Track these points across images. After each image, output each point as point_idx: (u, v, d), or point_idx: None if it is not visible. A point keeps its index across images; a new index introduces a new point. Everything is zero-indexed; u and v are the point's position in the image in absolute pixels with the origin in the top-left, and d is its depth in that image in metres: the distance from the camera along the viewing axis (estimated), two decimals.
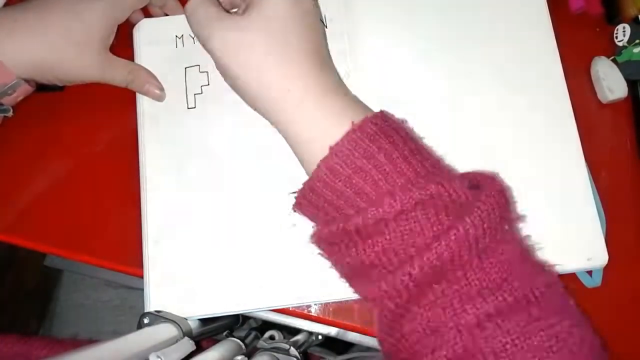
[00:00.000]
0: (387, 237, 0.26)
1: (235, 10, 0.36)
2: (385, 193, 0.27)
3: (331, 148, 0.28)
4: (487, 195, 0.26)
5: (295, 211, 0.31)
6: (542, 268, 0.28)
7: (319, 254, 0.31)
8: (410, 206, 0.26)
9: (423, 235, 0.26)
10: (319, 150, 0.28)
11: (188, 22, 0.32)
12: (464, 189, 0.26)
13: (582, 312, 0.28)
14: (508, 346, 0.24)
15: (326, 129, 0.28)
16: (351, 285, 0.30)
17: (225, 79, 0.32)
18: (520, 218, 0.30)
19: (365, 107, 0.31)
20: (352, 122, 0.28)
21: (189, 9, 0.32)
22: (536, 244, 0.36)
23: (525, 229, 0.36)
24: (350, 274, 0.30)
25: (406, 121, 0.30)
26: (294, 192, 0.30)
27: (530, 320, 0.25)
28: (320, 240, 0.29)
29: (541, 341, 0.24)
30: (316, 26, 0.32)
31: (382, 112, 0.29)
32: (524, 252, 0.28)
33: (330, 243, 0.29)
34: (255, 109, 0.32)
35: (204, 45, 0.31)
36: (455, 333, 0.25)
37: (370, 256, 0.27)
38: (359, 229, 0.27)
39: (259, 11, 0.29)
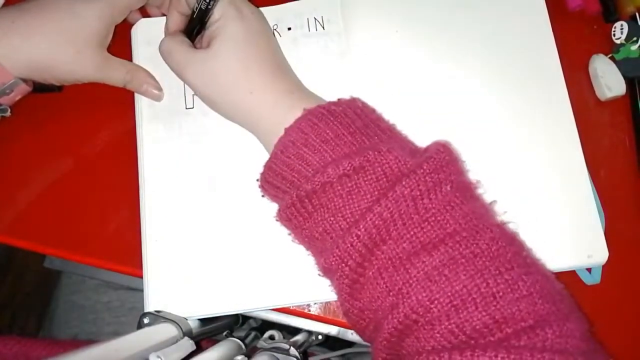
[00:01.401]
0: (335, 202, 0.29)
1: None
2: (330, 162, 0.29)
3: (285, 129, 0.31)
4: (426, 160, 0.28)
5: (262, 195, 0.34)
6: (490, 223, 0.29)
7: (288, 235, 0.33)
8: (352, 170, 0.29)
9: (365, 199, 0.28)
10: (278, 135, 0.32)
11: (164, 61, 0.37)
12: (405, 156, 0.29)
13: (545, 268, 0.29)
14: (457, 295, 0.26)
15: (284, 120, 0.32)
16: (316, 262, 0.32)
17: (205, 103, 0.37)
18: (474, 182, 0.31)
19: (321, 100, 0.35)
20: (304, 109, 0.32)
21: (163, 50, 0.37)
22: (536, 241, 0.36)
23: (525, 226, 0.36)
24: (311, 248, 0.32)
25: (372, 109, 0.33)
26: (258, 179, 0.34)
27: (477, 269, 0.26)
28: (281, 216, 0.32)
29: (488, 288, 0.26)
30: (267, 40, 0.36)
31: (340, 99, 0.33)
32: (472, 210, 0.29)
33: (288, 217, 0.31)
34: (235, 122, 0.36)
35: (182, 80, 0.36)
36: (407, 288, 0.27)
37: (323, 224, 0.29)
38: (309, 195, 0.29)
39: (218, 43, 0.34)
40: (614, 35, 0.43)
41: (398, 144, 0.31)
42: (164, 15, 0.42)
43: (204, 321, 0.37)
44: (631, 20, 0.42)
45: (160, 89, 0.39)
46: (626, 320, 0.39)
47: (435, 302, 0.26)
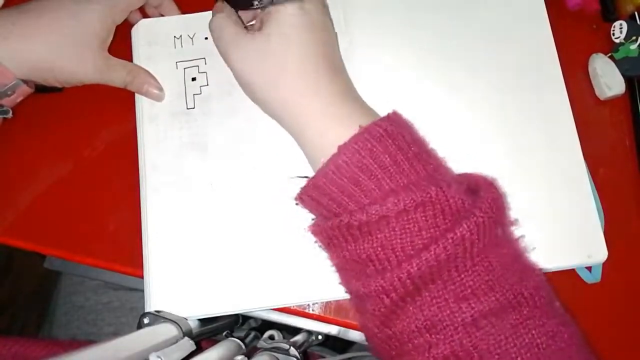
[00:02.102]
0: (387, 235, 0.27)
1: (252, 22, 0.37)
2: (388, 192, 0.28)
3: (339, 147, 0.29)
4: (484, 201, 0.27)
5: (296, 203, 0.32)
6: (533, 270, 0.29)
7: (316, 243, 0.32)
8: (412, 206, 0.27)
9: (421, 236, 0.27)
10: (328, 151, 0.29)
11: (213, 39, 0.35)
12: (463, 194, 0.28)
13: (571, 311, 0.29)
14: (502, 343, 0.25)
15: (335, 132, 0.30)
16: (342, 277, 0.31)
17: (246, 92, 0.34)
18: (514, 222, 0.31)
19: (374, 112, 0.33)
20: (360, 126, 0.29)
21: (213, 27, 0.34)
22: (536, 241, 0.36)
23: (525, 226, 0.36)
24: (344, 267, 0.31)
25: (412, 124, 0.31)
26: (297, 177, 0.32)
27: (522, 319, 0.26)
28: (319, 232, 0.31)
29: (532, 339, 0.25)
30: (327, 35, 0.33)
31: (390, 115, 0.30)
32: (517, 255, 0.29)
33: (329, 236, 0.30)
34: (273, 117, 0.34)
35: (226, 62, 0.34)
36: (452, 331, 0.26)
37: (369, 251, 0.28)
38: (361, 224, 0.28)
39: (272, 28, 0.31)
40: (614, 34, 0.43)
41: (451, 176, 0.30)
42: (162, 15, 0.42)
43: (204, 321, 0.37)
44: (630, 19, 0.42)
45: (161, 89, 0.39)
46: (627, 319, 0.39)
47: (478, 348, 0.25)
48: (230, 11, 0.35)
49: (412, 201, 0.27)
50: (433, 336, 0.26)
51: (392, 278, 0.27)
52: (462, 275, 0.27)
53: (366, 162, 0.28)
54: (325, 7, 0.34)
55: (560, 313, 0.28)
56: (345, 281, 0.31)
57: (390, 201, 0.27)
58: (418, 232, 0.27)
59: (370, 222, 0.27)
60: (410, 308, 0.27)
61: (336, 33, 0.35)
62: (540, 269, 0.30)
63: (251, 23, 0.37)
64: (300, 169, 0.34)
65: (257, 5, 0.32)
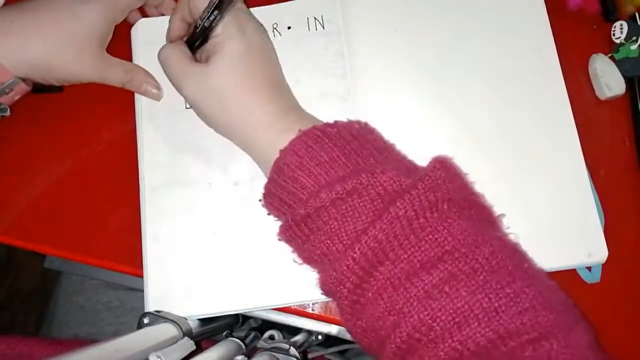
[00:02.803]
0: (331, 225, 0.29)
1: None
2: (324, 185, 0.29)
3: (280, 151, 0.31)
4: (421, 179, 0.28)
5: (268, 214, 0.34)
6: (491, 236, 0.29)
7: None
8: (345, 193, 0.28)
9: (361, 220, 0.28)
10: (274, 158, 0.32)
11: (162, 69, 0.36)
12: (399, 177, 0.29)
13: (549, 277, 0.29)
14: (460, 311, 0.25)
15: (280, 142, 0.32)
16: (318, 282, 0.32)
17: (200, 118, 0.36)
18: (474, 194, 0.31)
19: (317, 121, 0.34)
20: (299, 130, 0.32)
21: (162, 58, 0.36)
22: (536, 240, 0.36)
23: (525, 225, 0.36)
24: (312, 267, 0.32)
25: (364, 123, 0.33)
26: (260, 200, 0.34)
27: (477, 284, 0.26)
28: (281, 236, 0.32)
29: (490, 302, 0.25)
30: (267, 58, 0.36)
31: (335, 121, 0.32)
32: (471, 225, 0.29)
33: (288, 239, 0.31)
34: (226, 137, 0.36)
35: (178, 91, 0.36)
36: (408, 307, 0.26)
37: (320, 246, 0.29)
38: (304, 219, 0.29)
39: (218, 60, 0.33)
40: (614, 34, 0.43)
41: (393, 165, 0.31)
42: (162, 15, 0.42)
43: (204, 321, 0.37)
44: (631, 19, 0.42)
45: (159, 88, 0.39)
46: (627, 319, 0.39)
47: (437, 320, 0.26)
48: (178, 42, 0.37)
49: (342, 188, 0.28)
50: (395, 316, 0.27)
51: (341, 267, 0.28)
52: (409, 252, 0.27)
53: (304, 162, 0.30)
54: (264, 32, 0.37)
55: (528, 275, 0.28)
56: (318, 283, 0.31)
57: (324, 191, 0.29)
58: (358, 217, 0.28)
59: (310, 215, 0.29)
60: (370, 295, 0.28)
61: (276, 53, 0.37)
62: (505, 235, 0.30)
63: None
64: None
65: (199, 26, 0.34)
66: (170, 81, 0.36)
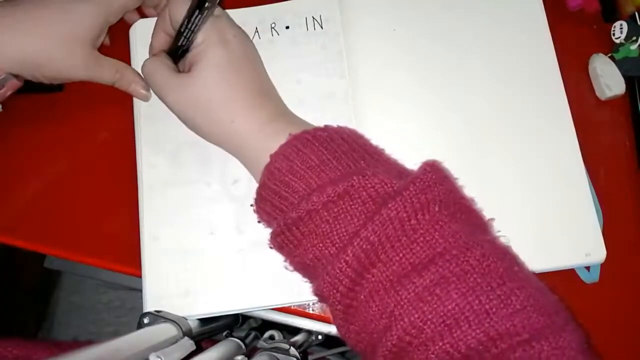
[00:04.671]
0: (323, 229, 0.29)
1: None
2: (315, 188, 0.29)
3: (271, 156, 0.31)
4: (412, 181, 0.28)
5: (258, 221, 0.34)
6: (483, 239, 0.29)
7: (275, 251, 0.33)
8: (336, 196, 0.28)
9: (353, 223, 0.28)
10: (264, 163, 0.32)
11: (147, 81, 0.37)
12: (391, 179, 0.29)
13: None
14: (450, 313, 0.25)
15: (270, 146, 0.31)
16: (311, 288, 0.32)
17: (187, 127, 0.36)
18: (464, 198, 0.31)
19: (307, 124, 0.34)
20: (290, 134, 0.32)
21: (145, 72, 0.36)
22: (534, 240, 0.36)
23: (524, 225, 0.36)
24: (305, 274, 0.32)
25: (360, 135, 0.33)
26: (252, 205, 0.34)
27: (468, 287, 0.26)
28: (273, 242, 0.32)
29: (481, 305, 0.25)
30: (251, 64, 0.35)
31: (325, 125, 0.32)
32: (462, 229, 0.29)
33: (279, 245, 0.31)
34: (216, 145, 0.36)
35: (162, 102, 0.36)
36: (400, 309, 0.26)
37: (312, 250, 0.29)
38: (296, 223, 0.29)
39: (199, 69, 0.33)
40: (614, 34, 0.43)
41: (384, 167, 0.31)
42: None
43: (204, 321, 0.37)
44: (630, 19, 0.42)
45: (148, 89, 0.39)
46: (625, 319, 0.39)
47: (428, 322, 0.26)
48: (161, 54, 0.37)
49: (334, 191, 0.28)
50: (386, 319, 0.27)
51: (334, 270, 0.28)
52: (401, 254, 0.27)
53: (294, 166, 0.30)
54: (245, 38, 0.36)
55: (518, 277, 0.27)
56: (311, 289, 0.31)
57: (315, 194, 0.28)
58: (350, 220, 0.28)
59: (302, 218, 0.29)
60: (362, 297, 0.28)
61: (260, 58, 0.37)
62: (496, 238, 0.30)
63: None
64: None
65: (185, 43, 0.35)
66: (155, 93, 0.36)
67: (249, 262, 0.37)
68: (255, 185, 0.37)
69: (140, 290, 0.37)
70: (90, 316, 0.56)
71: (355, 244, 0.27)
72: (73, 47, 0.36)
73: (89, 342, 0.27)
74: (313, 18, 0.41)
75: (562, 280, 0.37)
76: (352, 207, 0.28)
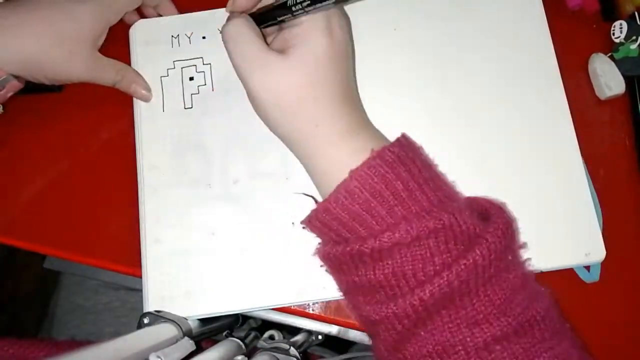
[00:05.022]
0: (399, 261, 0.27)
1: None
2: (400, 219, 0.28)
3: (351, 172, 0.28)
4: (495, 228, 0.28)
5: (303, 227, 0.32)
6: (542, 292, 0.29)
7: (322, 267, 0.32)
8: (425, 234, 0.27)
9: (433, 262, 0.27)
10: (339, 177, 0.29)
11: (226, 48, 0.31)
12: (474, 220, 0.28)
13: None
14: None
15: (348, 160, 0.29)
16: (351, 301, 0.31)
17: (257, 111, 0.32)
18: (522, 246, 0.31)
19: (385, 139, 0.33)
20: (372, 150, 0.29)
21: (229, 34, 0.31)
22: (534, 240, 0.36)
23: (523, 225, 0.36)
24: (354, 292, 0.30)
25: (422, 148, 0.32)
26: (302, 194, 0.32)
27: (534, 342, 0.26)
28: (328, 258, 0.30)
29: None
30: (348, 64, 0.32)
31: (400, 139, 0.30)
32: (526, 278, 0.29)
33: (339, 262, 0.30)
34: (282, 140, 0.33)
35: (241, 77, 0.31)
36: (464, 355, 0.26)
37: (379, 277, 0.28)
38: (373, 251, 0.28)
39: (297, 55, 0.30)
40: (614, 34, 0.43)
41: (462, 201, 0.30)
42: (160, 15, 0.42)
43: (204, 321, 0.37)
44: (630, 19, 0.42)
45: (148, 90, 0.39)
46: (625, 319, 0.39)
47: None
48: (249, 19, 0.31)
49: (425, 228, 0.27)
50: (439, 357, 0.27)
51: (405, 305, 0.27)
52: (474, 301, 0.27)
53: (378, 188, 0.28)
54: (350, 32, 0.33)
55: (570, 335, 0.28)
56: (355, 305, 0.31)
57: (403, 229, 0.27)
58: (430, 258, 0.27)
59: (383, 250, 0.27)
60: (422, 333, 0.27)
61: (355, 58, 0.34)
62: (548, 291, 0.30)
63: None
64: (299, 169, 0.34)
65: (286, 18, 0.29)
66: (236, 66, 0.31)
67: (249, 262, 0.37)
68: (256, 185, 0.37)
69: (140, 291, 0.37)
70: (90, 316, 0.56)
71: (435, 284, 0.26)
72: (74, 48, 0.36)
73: (87, 341, 0.27)
74: None
75: (562, 280, 0.37)
76: (436, 246, 0.27)
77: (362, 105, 0.34)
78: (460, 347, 0.26)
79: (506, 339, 0.26)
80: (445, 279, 0.26)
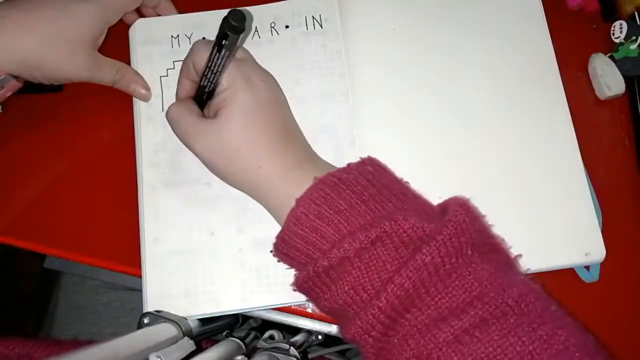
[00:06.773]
0: (355, 275, 0.28)
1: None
2: (346, 235, 0.29)
3: (297, 200, 0.31)
4: (446, 224, 0.28)
5: (278, 261, 0.34)
6: (518, 279, 0.29)
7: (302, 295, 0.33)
8: (369, 243, 0.28)
9: (385, 269, 0.28)
10: (289, 208, 0.31)
11: (171, 127, 0.36)
12: (422, 223, 0.28)
13: (571, 313, 0.29)
14: (492, 355, 0.25)
15: (295, 191, 0.31)
16: (339, 328, 0.32)
17: (212, 173, 0.36)
18: (493, 237, 0.31)
19: (331, 167, 0.34)
20: (315, 177, 0.31)
21: (170, 117, 0.36)
22: (534, 240, 0.36)
23: (523, 225, 0.36)
24: (333, 317, 0.32)
25: (382, 165, 0.33)
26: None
27: (509, 328, 0.26)
28: (298, 286, 0.31)
29: (524, 346, 0.25)
30: (280, 108, 0.35)
31: (349, 165, 0.32)
32: (497, 268, 0.29)
33: (307, 289, 0.31)
34: (238, 189, 0.36)
35: (187, 147, 0.36)
36: (437, 352, 0.26)
37: (343, 296, 0.29)
38: (326, 270, 0.29)
39: (225, 115, 0.33)
40: (613, 34, 0.43)
41: (413, 209, 0.30)
42: (159, 15, 0.42)
43: (204, 321, 0.37)
44: (630, 19, 0.42)
45: (148, 89, 0.39)
46: (625, 318, 0.39)
47: None
48: (186, 99, 0.37)
49: (366, 238, 0.28)
50: None
51: (367, 316, 0.27)
52: (436, 299, 0.27)
53: (322, 210, 0.30)
54: (272, 82, 0.36)
55: (557, 316, 0.27)
56: (340, 331, 0.31)
57: (347, 241, 0.28)
58: (383, 266, 0.28)
59: (334, 266, 0.28)
60: (395, 341, 0.28)
61: (286, 100, 0.37)
62: (529, 277, 0.30)
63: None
64: None
65: (210, 89, 0.34)
66: (180, 139, 0.36)
67: (249, 262, 0.37)
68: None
69: (140, 291, 0.37)
70: (90, 316, 0.56)
71: (389, 290, 0.27)
72: (73, 47, 0.36)
73: (89, 341, 0.27)
74: (313, 17, 0.41)
75: (562, 279, 0.37)
76: (385, 253, 0.28)
77: (305, 141, 0.37)
78: (432, 346, 0.26)
79: (477, 328, 0.26)
80: (396, 282, 0.27)
